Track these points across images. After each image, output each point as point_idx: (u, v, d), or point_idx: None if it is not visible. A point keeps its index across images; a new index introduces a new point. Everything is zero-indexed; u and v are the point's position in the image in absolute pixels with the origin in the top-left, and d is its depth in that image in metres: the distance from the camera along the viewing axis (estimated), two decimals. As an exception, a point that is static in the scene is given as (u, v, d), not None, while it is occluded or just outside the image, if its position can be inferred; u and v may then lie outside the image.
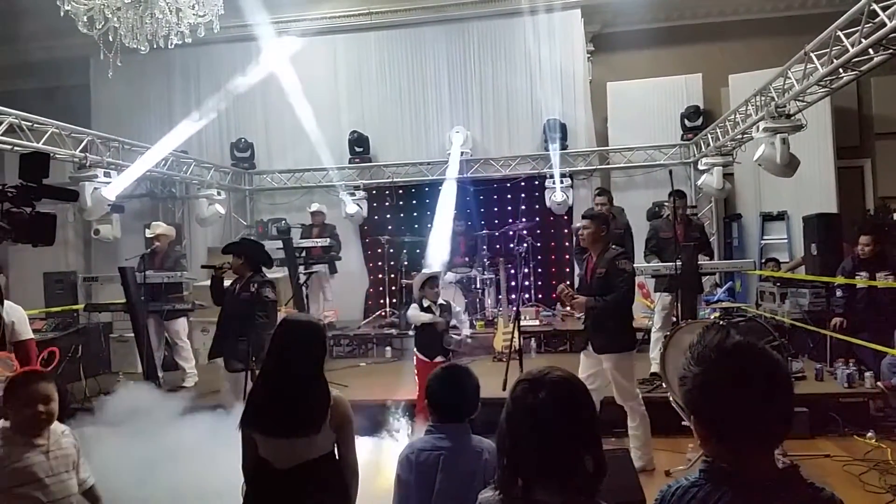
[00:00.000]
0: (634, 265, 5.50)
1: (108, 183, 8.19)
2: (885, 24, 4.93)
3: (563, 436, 1.62)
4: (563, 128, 10.59)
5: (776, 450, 1.48)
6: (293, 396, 2.68)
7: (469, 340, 5.91)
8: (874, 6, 5.03)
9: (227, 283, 5.96)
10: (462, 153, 10.69)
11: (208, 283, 6.06)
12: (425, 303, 5.93)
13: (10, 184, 3.76)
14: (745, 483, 1.42)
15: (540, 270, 10.76)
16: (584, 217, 5.43)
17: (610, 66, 11.27)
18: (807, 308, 7.67)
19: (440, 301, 6.00)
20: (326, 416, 2.69)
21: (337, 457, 2.79)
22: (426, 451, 2.67)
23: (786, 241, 10.13)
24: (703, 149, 9.83)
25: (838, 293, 7.30)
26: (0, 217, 3.64)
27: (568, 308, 5.71)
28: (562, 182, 10.33)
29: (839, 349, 7.01)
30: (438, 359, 5.69)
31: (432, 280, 6.04)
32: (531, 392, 1.68)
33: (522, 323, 8.81)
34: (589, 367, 5.22)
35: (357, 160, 11.21)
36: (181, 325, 7.88)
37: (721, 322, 5.69)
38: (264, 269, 5.91)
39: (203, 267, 7.14)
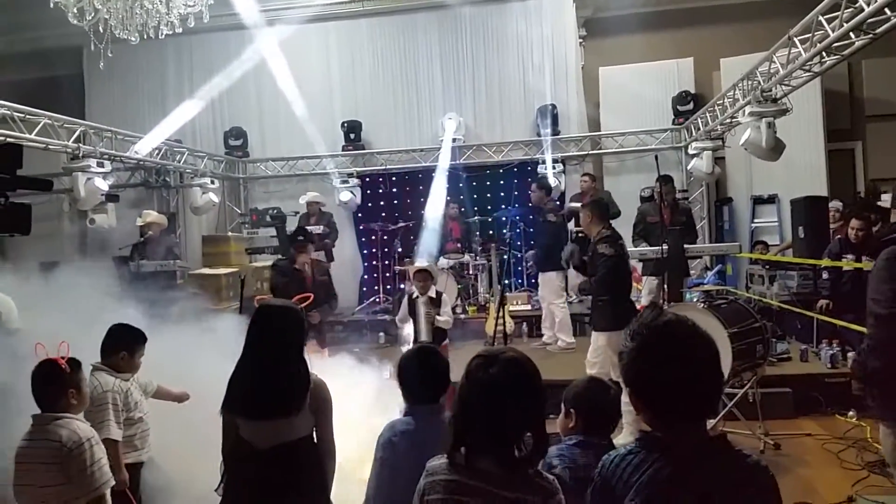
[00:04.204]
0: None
1: (102, 173, 8.24)
2: (863, 9, 4.98)
3: (508, 410, 1.73)
4: (555, 113, 10.62)
5: (708, 419, 1.57)
6: (273, 380, 2.73)
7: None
8: (853, -9, 5.08)
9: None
10: (454, 140, 10.74)
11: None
12: (414, 294, 6.09)
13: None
14: (675, 450, 1.51)
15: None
16: (581, 206, 5.82)
17: (602, 51, 11.27)
18: (795, 290, 7.76)
19: (431, 294, 6.05)
20: (306, 398, 2.75)
21: (315, 440, 2.86)
22: (409, 433, 2.72)
23: (776, 224, 10.17)
24: (694, 133, 9.87)
25: (824, 275, 7.38)
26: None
27: None
28: (554, 167, 10.37)
29: (825, 331, 7.09)
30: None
31: (420, 273, 6.13)
32: (484, 367, 1.81)
33: (513, 308, 8.99)
34: (595, 345, 5.42)
35: (350, 147, 11.24)
36: None
37: (703, 303, 5.77)
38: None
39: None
